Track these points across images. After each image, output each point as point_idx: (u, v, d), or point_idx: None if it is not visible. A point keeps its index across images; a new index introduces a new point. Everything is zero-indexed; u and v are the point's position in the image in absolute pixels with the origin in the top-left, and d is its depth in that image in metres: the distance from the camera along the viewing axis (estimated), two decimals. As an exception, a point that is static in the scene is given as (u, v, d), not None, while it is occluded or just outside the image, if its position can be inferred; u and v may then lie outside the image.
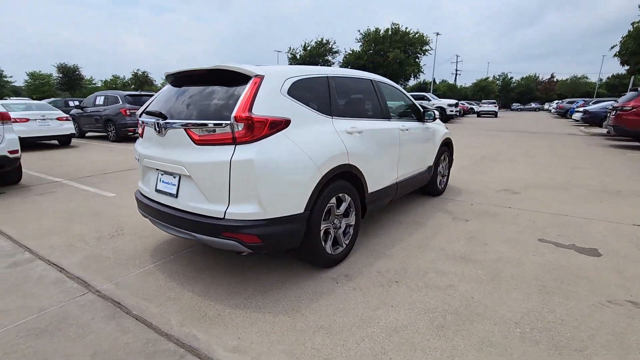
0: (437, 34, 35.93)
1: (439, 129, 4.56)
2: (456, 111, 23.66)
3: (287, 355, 1.80)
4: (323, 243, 2.59)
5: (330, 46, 23.35)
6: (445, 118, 22.68)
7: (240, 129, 2.10)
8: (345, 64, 20.34)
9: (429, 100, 23.02)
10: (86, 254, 3.00)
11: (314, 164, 2.35)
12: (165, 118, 2.40)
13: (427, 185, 4.62)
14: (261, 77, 2.28)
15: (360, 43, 19.68)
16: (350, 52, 19.99)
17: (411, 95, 25.47)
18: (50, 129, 9.65)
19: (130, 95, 11.71)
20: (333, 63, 23.54)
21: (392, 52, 17.65)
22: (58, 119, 9.86)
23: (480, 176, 6.05)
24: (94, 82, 51.49)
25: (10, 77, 44.00)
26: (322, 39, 23.10)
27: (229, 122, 2.10)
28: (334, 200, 2.63)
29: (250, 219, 2.16)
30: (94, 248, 3.12)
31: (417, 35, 18.78)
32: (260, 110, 2.17)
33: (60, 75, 39.97)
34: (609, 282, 2.50)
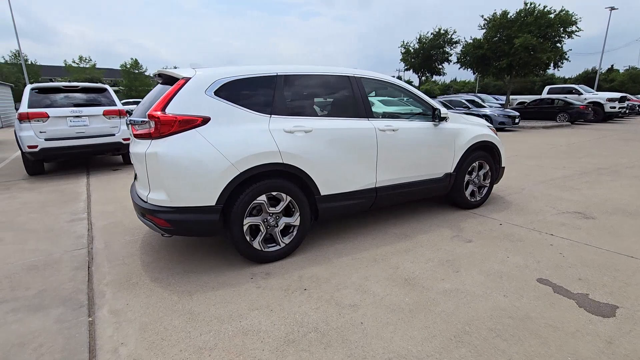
0: (612, 8, 28.34)
1: (466, 130, 3.83)
2: (620, 108, 18.25)
3: (142, 329, 2.03)
4: (249, 238, 2.68)
5: (449, 36, 21.34)
6: (605, 116, 17.84)
7: (152, 125, 2.40)
8: (464, 54, 18.25)
9: (581, 93, 18.52)
10: (113, 221, 3.88)
11: (226, 160, 2.47)
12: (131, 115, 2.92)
13: (451, 196, 3.98)
14: (186, 80, 2.53)
15: (485, 29, 17.33)
16: (471, 40, 17.80)
17: (557, 87, 20.77)
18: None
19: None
20: (451, 55, 21.44)
21: (520, 38, 14.90)
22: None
23: (561, 192, 4.74)
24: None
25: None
26: (439, 29, 21.31)
27: (147, 119, 2.43)
28: (263, 197, 2.67)
29: (161, 205, 2.46)
30: (122, 217, 4.00)
31: (561, 14, 15.30)
32: (174, 109, 2.42)
33: None
34: (587, 355, 1.77)
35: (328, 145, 2.91)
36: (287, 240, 2.86)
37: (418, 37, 21.67)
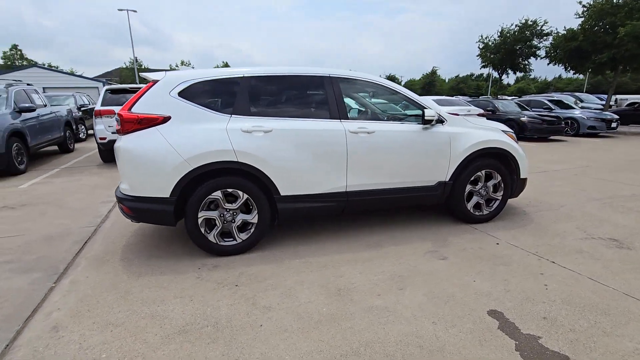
0: None
1: (467, 135, 3.40)
2: None
3: (80, 300, 2.33)
4: (204, 230, 2.84)
5: (539, 28, 18.65)
6: None
7: (119, 123, 2.71)
8: (554, 48, 15.84)
9: None
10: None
11: (180, 157, 2.65)
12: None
13: (450, 207, 3.60)
14: (155, 82, 2.78)
15: (583, 18, 14.84)
16: (564, 31, 15.37)
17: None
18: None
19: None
20: (539, 48, 18.67)
21: (628, 26, 12.38)
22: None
23: (610, 214, 3.89)
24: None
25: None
26: (526, 20, 18.74)
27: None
28: (219, 193, 2.80)
29: (125, 194, 2.77)
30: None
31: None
32: (139, 109, 2.69)
33: None
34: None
35: (290, 145, 2.90)
36: (244, 236, 2.94)
37: (500, 30, 19.45)
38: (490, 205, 3.68)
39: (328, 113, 3.07)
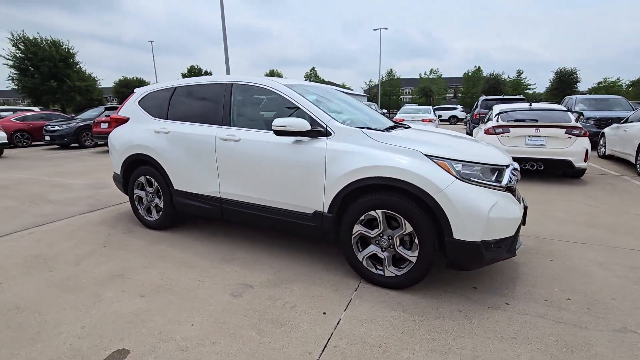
0: None
1: (353, 155, 2.39)
2: None
3: (72, 236, 3.86)
4: (137, 205, 3.78)
5: None
6: None
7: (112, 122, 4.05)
8: None
9: None
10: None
11: (122, 147, 3.69)
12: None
13: (341, 249, 2.69)
14: (133, 93, 3.93)
15: None
16: None
17: None
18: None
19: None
20: None
21: None
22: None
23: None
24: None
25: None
26: None
27: (114, 118, 4.11)
28: (142, 178, 3.64)
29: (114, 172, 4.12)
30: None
31: None
32: (122, 112, 3.92)
33: (556, 80, 39.84)
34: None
35: (179, 147, 3.29)
36: (156, 215, 3.64)
37: None
38: (401, 267, 2.41)
39: (216, 118, 3.16)
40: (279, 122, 2.55)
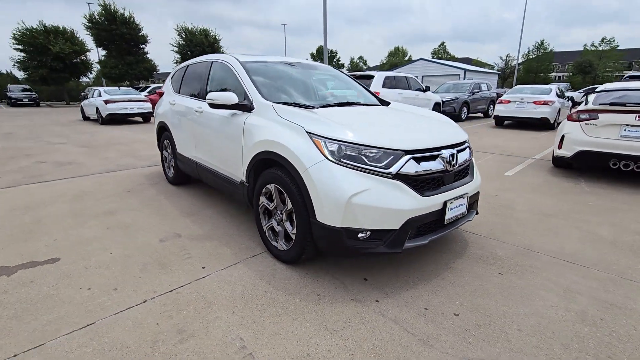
0: None
1: (259, 129, 2.45)
2: None
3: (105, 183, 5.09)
4: (163, 162, 4.67)
5: None
6: None
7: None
8: None
9: None
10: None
11: (155, 115, 4.58)
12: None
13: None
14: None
15: None
16: None
17: None
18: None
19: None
20: None
21: None
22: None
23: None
24: None
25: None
26: None
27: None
28: (166, 142, 4.47)
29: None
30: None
31: None
32: (163, 89, 4.80)
33: None
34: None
35: (178, 116, 3.90)
36: (171, 173, 4.45)
37: None
38: (289, 242, 2.43)
39: (202, 93, 3.60)
40: (210, 96, 2.81)
